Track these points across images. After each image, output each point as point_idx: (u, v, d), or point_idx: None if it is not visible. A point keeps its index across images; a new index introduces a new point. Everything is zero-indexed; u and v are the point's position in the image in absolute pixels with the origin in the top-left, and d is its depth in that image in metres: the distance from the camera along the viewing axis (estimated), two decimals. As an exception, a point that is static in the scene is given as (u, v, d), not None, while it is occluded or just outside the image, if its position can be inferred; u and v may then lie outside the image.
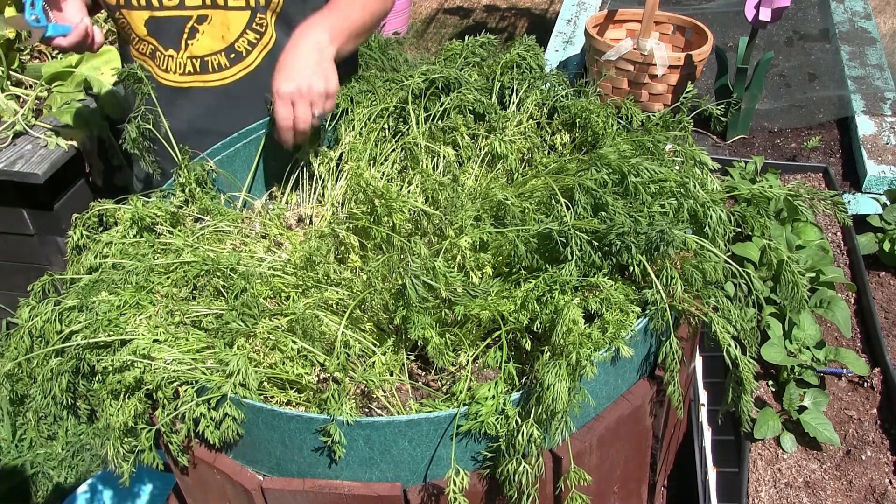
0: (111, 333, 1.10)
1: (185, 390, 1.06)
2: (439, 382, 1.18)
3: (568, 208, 1.17)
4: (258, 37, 1.68)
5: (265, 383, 1.13)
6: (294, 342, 1.12)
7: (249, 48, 1.69)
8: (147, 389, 1.08)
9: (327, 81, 1.45)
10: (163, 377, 1.06)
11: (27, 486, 2.61)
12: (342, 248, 1.31)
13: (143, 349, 1.08)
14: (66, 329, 1.14)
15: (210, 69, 1.71)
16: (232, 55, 1.69)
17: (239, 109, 1.72)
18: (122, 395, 1.08)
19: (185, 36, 1.66)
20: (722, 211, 1.16)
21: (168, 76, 1.73)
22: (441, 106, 1.51)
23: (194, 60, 1.70)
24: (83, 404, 1.16)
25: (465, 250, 1.16)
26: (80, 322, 1.13)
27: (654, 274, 1.10)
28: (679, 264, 1.14)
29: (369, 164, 1.51)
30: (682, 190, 1.18)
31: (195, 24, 1.64)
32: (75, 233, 1.36)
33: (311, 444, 1.03)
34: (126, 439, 1.08)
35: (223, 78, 1.71)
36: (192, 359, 1.09)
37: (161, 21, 1.65)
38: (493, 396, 1.01)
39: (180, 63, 1.70)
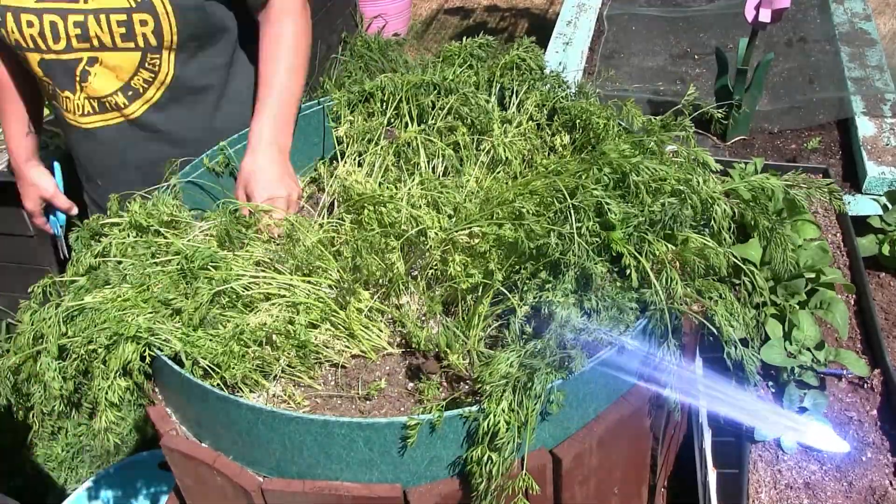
0: (112, 331, 1.10)
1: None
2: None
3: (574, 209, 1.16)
4: (153, 75, 1.63)
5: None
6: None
7: (146, 85, 1.64)
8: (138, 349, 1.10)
9: (290, 190, 1.47)
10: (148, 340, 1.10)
11: (26, 487, 2.61)
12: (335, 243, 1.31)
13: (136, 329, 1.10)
14: (69, 331, 1.14)
15: (108, 108, 1.67)
16: (129, 92, 1.65)
17: (154, 141, 1.70)
18: (112, 375, 1.09)
19: (78, 78, 1.62)
20: (726, 204, 1.16)
21: (71, 116, 1.70)
22: (440, 109, 1.51)
23: (92, 101, 1.66)
24: (87, 403, 1.16)
25: (484, 229, 1.13)
26: (82, 324, 1.13)
27: (654, 275, 1.10)
28: (678, 264, 1.13)
29: (362, 167, 1.50)
30: (684, 187, 1.17)
31: (86, 67, 1.60)
32: (77, 234, 1.36)
33: (310, 445, 1.03)
34: (114, 411, 1.08)
35: (127, 115, 1.68)
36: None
37: (51, 63, 1.61)
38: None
39: (79, 104, 1.66)
